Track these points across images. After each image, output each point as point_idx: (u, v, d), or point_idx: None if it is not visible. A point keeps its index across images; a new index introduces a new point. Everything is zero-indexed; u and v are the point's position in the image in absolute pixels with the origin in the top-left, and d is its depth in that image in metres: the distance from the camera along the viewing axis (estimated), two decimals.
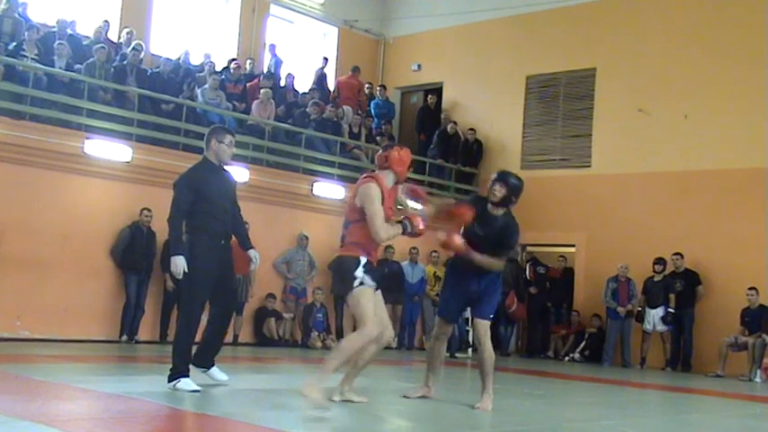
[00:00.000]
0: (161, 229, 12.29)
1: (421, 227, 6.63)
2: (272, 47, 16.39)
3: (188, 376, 6.79)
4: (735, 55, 14.46)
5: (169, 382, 6.76)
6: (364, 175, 6.63)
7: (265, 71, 15.98)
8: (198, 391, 6.67)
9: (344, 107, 16.55)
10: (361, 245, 6.40)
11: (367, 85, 17.99)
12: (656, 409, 8.72)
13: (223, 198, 7.12)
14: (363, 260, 6.36)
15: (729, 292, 13.52)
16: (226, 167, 7.30)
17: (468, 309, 7.42)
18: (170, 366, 6.82)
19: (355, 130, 16.13)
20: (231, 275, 7.32)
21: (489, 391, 7.07)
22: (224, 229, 7.10)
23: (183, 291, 7.11)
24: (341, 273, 6.46)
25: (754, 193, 13.86)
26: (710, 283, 13.81)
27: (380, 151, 6.65)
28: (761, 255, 13.51)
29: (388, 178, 6.55)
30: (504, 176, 7.23)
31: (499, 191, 7.20)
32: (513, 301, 14.75)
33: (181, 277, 6.81)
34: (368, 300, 6.32)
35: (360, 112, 17.05)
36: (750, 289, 13.05)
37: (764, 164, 13.85)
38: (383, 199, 6.37)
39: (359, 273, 6.32)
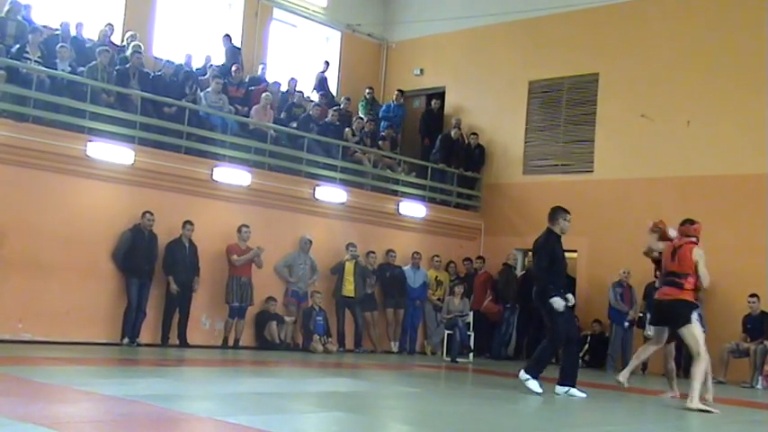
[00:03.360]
0: (162, 231, 12.35)
1: None
2: (227, 37, 15.81)
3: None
4: (737, 61, 14.46)
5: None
6: (690, 241, 9.00)
7: (224, 62, 15.58)
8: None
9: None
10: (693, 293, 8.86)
11: (368, 90, 17.99)
12: (658, 415, 8.70)
13: (564, 259, 9.66)
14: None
15: (731, 299, 13.50)
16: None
17: None
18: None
19: (357, 134, 16.13)
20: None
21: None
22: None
23: (554, 322, 9.23)
24: (681, 311, 8.77)
25: (756, 200, 13.85)
26: (712, 290, 13.69)
27: (687, 224, 9.13)
28: (762, 261, 13.49)
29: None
30: None
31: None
32: (486, 300, 15.25)
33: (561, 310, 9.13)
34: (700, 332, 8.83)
35: (362, 117, 17.04)
36: (751, 296, 13.05)
37: (766, 170, 13.84)
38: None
39: (694, 315, 8.77)
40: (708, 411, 8.44)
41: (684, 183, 14.66)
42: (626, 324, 14.35)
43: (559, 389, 9.16)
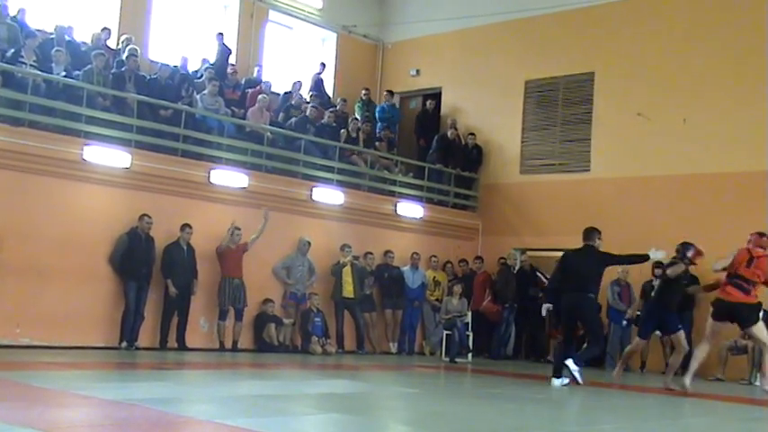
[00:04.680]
0: (160, 234, 12.34)
1: None
2: (219, 35, 15.89)
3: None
4: (734, 59, 14.47)
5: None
6: (766, 253, 9.90)
7: (213, 61, 15.66)
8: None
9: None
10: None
11: (364, 91, 18.00)
12: (657, 413, 8.70)
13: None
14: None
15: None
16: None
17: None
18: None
19: (353, 135, 16.14)
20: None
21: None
22: None
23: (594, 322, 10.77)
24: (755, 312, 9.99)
25: (754, 197, 13.84)
26: None
27: (765, 237, 10.19)
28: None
29: None
30: None
31: None
32: (485, 300, 15.27)
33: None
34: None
35: (358, 118, 17.05)
36: None
37: (764, 167, 13.84)
38: None
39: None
40: None
41: (681, 181, 14.66)
42: (624, 323, 14.35)
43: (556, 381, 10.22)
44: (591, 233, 10.62)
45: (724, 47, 14.60)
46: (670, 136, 14.89)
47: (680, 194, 14.63)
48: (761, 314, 10.05)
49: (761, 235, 10.22)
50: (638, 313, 14.23)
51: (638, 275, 14.26)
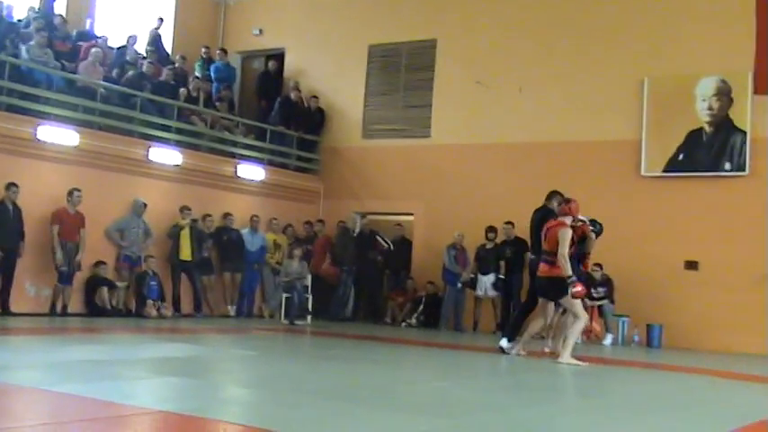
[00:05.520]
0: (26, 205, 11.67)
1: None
2: None
3: None
4: (566, 33, 15.07)
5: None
6: (558, 221, 9.56)
7: (37, 9, 14.82)
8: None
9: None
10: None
11: (204, 49, 17.53)
12: (489, 370, 9.06)
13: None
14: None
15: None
16: None
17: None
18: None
19: (194, 94, 15.71)
20: None
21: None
22: None
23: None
24: (558, 285, 9.38)
25: (579, 165, 14.55)
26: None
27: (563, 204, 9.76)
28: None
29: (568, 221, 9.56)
30: None
31: None
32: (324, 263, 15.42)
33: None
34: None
35: (198, 76, 16.62)
36: (595, 265, 13.10)
37: (587, 136, 14.56)
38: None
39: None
40: (577, 365, 9.18)
41: (516, 149, 15.20)
42: (459, 285, 14.82)
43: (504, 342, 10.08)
44: (550, 195, 10.50)
45: (558, 21, 15.17)
46: (507, 105, 15.39)
47: (513, 162, 15.18)
48: (572, 286, 9.29)
49: (566, 201, 9.87)
50: (472, 276, 14.77)
51: (475, 239, 14.74)
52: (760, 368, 10.63)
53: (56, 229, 12.37)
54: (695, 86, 13.85)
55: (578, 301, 9.53)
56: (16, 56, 13.04)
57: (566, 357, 9.34)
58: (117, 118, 13.85)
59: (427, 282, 15.36)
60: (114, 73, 14.72)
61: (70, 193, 12.48)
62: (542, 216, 10.26)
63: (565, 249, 9.26)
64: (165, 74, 15.28)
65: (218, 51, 17.66)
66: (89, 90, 13.62)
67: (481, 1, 16.00)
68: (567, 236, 9.33)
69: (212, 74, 17.24)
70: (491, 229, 14.61)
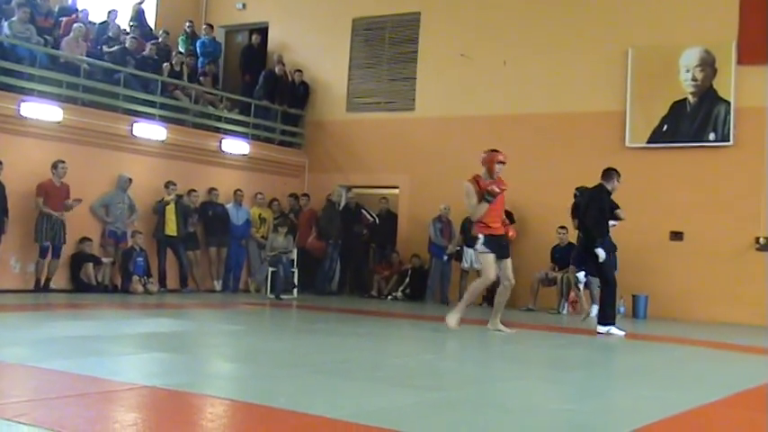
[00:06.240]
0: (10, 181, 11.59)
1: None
2: None
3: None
4: (553, 1, 15.06)
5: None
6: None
7: None
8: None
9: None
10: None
11: (188, 23, 17.40)
12: (470, 342, 9.12)
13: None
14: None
15: (541, 231, 14.26)
16: None
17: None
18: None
19: (177, 68, 15.62)
20: None
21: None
22: None
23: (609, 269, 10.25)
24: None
25: (564, 137, 14.61)
26: (524, 222, 14.47)
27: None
28: (570, 195, 14.26)
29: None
30: None
31: None
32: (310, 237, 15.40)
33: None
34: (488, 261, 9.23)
35: (181, 51, 16.50)
36: (561, 228, 13.82)
37: (571, 108, 14.60)
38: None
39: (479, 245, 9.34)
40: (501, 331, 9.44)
41: (500, 121, 15.21)
42: (445, 258, 14.89)
43: (601, 328, 9.91)
44: (609, 172, 10.30)
45: None
46: (491, 77, 15.38)
47: (498, 134, 15.16)
48: (479, 244, 9.37)
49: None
50: (458, 248, 14.83)
51: (461, 212, 14.76)
52: (747, 338, 10.75)
53: (41, 201, 12.32)
54: (679, 57, 13.88)
55: (489, 260, 9.22)
56: None
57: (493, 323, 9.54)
58: (101, 93, 13.76)
59: (413, 255, 15.42)
60: (100, 48, 14.58)
61: (55, 165, 12.44)
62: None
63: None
64: (149, 48, 15.17)
65: (204, 27, 17.54)
66: (72, 66, 13.52)
67: None
68: (468, 190, 9.51)
69: (198, 49, 17.14)
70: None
